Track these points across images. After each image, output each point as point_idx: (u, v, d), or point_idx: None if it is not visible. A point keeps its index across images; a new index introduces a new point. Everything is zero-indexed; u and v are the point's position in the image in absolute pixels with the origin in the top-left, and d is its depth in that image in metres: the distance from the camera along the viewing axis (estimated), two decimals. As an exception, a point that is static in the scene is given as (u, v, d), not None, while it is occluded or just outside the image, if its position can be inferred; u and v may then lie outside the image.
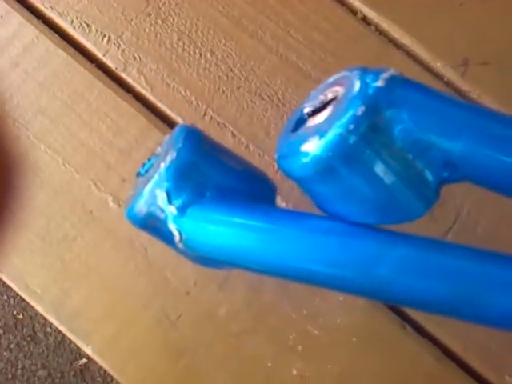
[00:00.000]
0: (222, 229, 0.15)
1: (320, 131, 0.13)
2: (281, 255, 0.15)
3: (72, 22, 0.35)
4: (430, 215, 0.30)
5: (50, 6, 0.36)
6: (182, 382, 0.32)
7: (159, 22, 0.36)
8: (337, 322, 0.32)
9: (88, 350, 0.32)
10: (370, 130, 0.12)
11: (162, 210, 0.16)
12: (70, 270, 0.33)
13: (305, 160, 0.13)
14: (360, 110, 0.12)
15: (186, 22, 0.36)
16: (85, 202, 0.34)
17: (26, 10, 0.36)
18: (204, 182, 0.16)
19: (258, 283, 0.32)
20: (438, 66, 0.36)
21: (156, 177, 0.16)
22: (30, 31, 0.35)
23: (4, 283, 0.33)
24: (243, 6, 0.36)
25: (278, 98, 0.35)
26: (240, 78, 0.35)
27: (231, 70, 0.35)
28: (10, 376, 0.81)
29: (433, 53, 0.36)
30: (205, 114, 0.35)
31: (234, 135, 0.34)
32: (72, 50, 0.35)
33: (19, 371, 0.81)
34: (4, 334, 0.83)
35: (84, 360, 0.80)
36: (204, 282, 0.32)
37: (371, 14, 0.36)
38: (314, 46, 0.35)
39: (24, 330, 0.82)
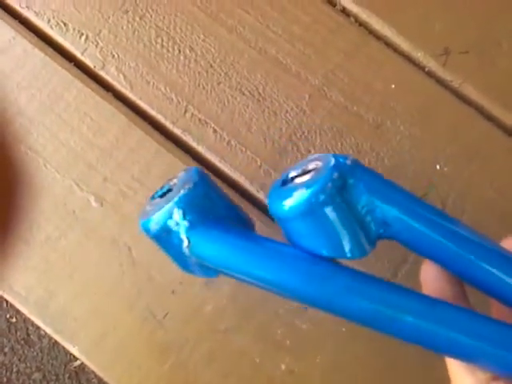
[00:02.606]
0: (218, 243, 0.21)
1: (307, 185, 0.19)
2: (258, 269, 0.21)
3: (49, 21, 0.35)
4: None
5: (27, 6, 0.35)
6: (170, 379, 0.32)
7: (137, 18, 0.35)
8: (324, 314, 0.32)
9: (75, 351, 0.32)
10: (340, 188, 0.19)
11: (177, 224, 0.21)
12: (54, 270, 0.33)
13: (295, 203, 0.19)
14: (335, 175, 0.19)
15: (163, 18, 0.35)
16: (67, 202, 0.33)
17: (2, 10, 0.36)
18: (209, 209, 0.22)
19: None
20: (418, 56, 0.35)
21: (176, 198, 0.21)
22: (7, 32, 0.35)
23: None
24: (221, 0, 0.35)
25: (258, 92, 0.34)
26: (220, 74, 0.35)
27: (211, 66, 0.35)
28: (5, 380, 0.81)
29: (413, 43, 0.35)
30: (186, 111, 0.34)
31: (215, 131, 0.34)
32: (50, 50, 0.35)
33: (14, 375, 0.81)
34: (-2, 337, 0.83)
35: (79, 362, 0.80)
36: (190, 279, 0.32)
37: (350, 5, 0.36)
38: (294, 39, 0.35)
39: (18, 334, 0.82)
